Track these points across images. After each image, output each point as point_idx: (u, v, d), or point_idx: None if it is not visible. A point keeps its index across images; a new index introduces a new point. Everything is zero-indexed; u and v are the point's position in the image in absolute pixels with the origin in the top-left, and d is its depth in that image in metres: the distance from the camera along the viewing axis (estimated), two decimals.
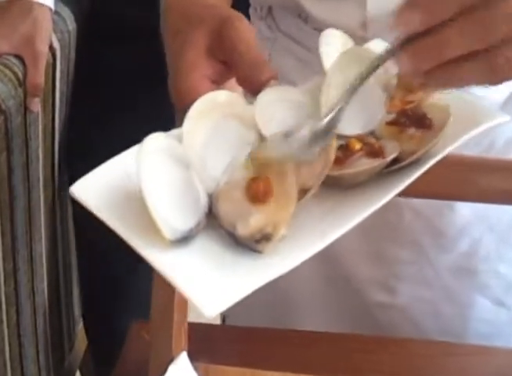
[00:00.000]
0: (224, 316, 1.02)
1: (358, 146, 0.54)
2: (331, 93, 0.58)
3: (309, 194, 0.51)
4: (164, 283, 0.56)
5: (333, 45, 0.62)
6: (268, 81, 0.59)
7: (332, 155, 0.52)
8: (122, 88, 1.30)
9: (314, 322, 0.91)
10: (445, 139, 0.57)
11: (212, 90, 0.58)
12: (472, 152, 0.81)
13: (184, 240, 0.49)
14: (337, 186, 0.54)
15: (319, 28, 0.79)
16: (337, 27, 0.75)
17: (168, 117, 0.62)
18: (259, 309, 0.92)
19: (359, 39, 0.74)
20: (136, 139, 0.52)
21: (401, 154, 0.56)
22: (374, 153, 0.55)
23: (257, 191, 0.50)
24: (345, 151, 0.54)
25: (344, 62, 0.59)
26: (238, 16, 0.62)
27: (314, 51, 0.80)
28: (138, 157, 0.49)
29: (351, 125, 0.59)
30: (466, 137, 0.58)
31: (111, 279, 1.37)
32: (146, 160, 0.49)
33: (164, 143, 0.52)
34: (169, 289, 0.60)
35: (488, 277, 0.87)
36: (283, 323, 0.91)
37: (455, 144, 0.57)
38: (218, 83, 0.61)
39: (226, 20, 0.61)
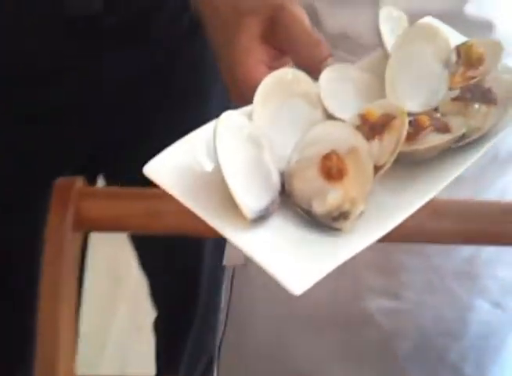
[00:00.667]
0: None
1: (427, 122, 0.54)
2: (395, 70, 0.58)
3: (383, 170, 0.51)
4: (48, 335, 0.57)
5: (391, 22, 0.62)
6: (327, 58, 0.60)
7: (404, 132, 0.52)
8: None
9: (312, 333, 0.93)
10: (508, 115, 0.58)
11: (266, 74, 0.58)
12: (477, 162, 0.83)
13: (261, 218, 0.49)
14: (407, 162, 0.54)
15: (330, 42, 0.80)
16: (348, 35, 0.76)
17: None
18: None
19: (372, 46, 0.75)
20: None
21: (467, 130, 0.56)
22: (442, 128, 0.55)
23: (330, 168, 0.50)
24: (415, 127, 0.54)
25: (406, 39, 0.59)
26: (290, 0, 0.62)
27: None
28: (216, 135, 0.49)
29: (413, 102, 0.59)
30: None
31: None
32: (223, 138, 0.49)
33: (236, 121, 0.52)
34: (54, 342, 0.59)
35: (488, 281, 0.89)
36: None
37: None
38: (273, 68, 0.61)
39: (279, 6, 0.61)
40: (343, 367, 0.92)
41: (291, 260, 0.47)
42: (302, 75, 0.56)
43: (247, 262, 0.93)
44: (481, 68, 0.60)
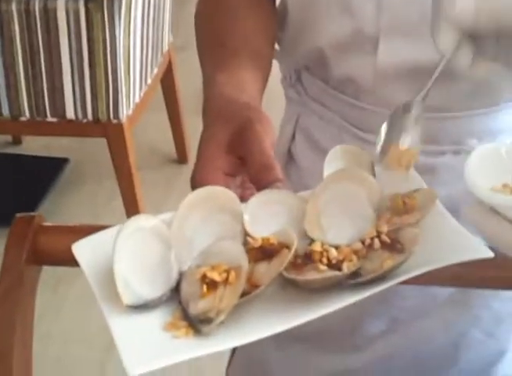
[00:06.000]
0: None
1: (317, 256, 0.65)
2: (318, 202, 0.69)
3: (257, 291, 0.62)
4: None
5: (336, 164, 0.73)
6: (273, 182, 0.71)
7: (285, 260, 0.63)
8: None
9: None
10: (419, 261, 0.66)
11: (223, 182, 0.71)
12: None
13: (144, 306, 0.62)
14: (298, 288, 0.65)
15: (338, 87, 0.95)
16: (353, 79, 0.92)
17: None
18: None
19: (371, 93, 0.91)
20: None
21: (364, 271, 0.66)
22: (333, 265, 0.65)
23: (209, 278, 0.62)
24: (306, 259, 0.65)
25: (338, 178, 0.70)
26: (261, 119, 0.75)
27: (333, 110, 0.98)
28: (119, 230, 0.63)
29: (339, 236, 0.69)
30: (438, 265, 0.67)
31: None
32: (126, 235, 0.63)
33: (150, 223, 0.65)
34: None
35: (481, 311, 0.99)
36: None
37: (422, 270, 0.66)
38: (233, 175, 0.74)
39: (248, 122, 0.75)
40: None
41: (141, 347, 0.59)
42: (231, 193, 0.68)
43: None
44: (406, 217, 0.69)
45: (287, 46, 0.99)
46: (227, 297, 0.62)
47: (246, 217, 0.68)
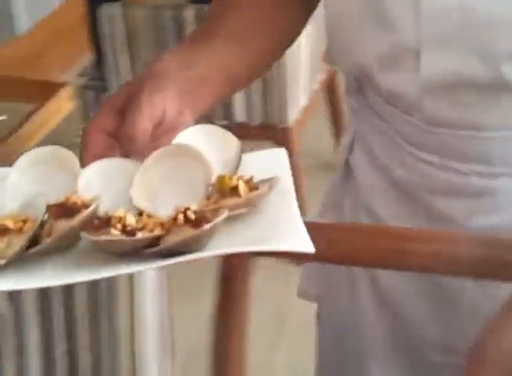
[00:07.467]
0: None
1: (114, 221, 0.68)
2: (150, 173, 0.74)
3: (45, 242, 0.68)
4: None
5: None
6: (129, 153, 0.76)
7: (77, 221, 0.68)
8: None
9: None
10: (232, 242, 0.68)
11: (103, 141, 0.77)
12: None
13: None
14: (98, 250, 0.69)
15: (389, 101, 0.92)
16: (397, 96, 0.89)
17: None
18: None
19: (418, 110, 0.87)
20: None
21: (164, 242, 0.69)
22: (128, 232, 0.68)
23: (3, 225, 0.69)
24: (102, 222, 0.69)
25: (175, 152, 0.73)
26: (152, 90, 0.77)
27: (386, 121, 0.95)
28: None
29: (166, 209, 0.72)
30: (245, 249, 0.68)
31: None
32: None
33: None
34: None
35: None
36: None
37: (222, 250, 0.68)
38: (114, 137, 0.78)
39: (141, 90, 0.77)
40: None
41: None
42: (71, 155, 0.74)
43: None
44: (230, 200, 0.71)
45: (336, 58, 0.97)
46: (14, 244, 0.68)
47: (79, 181, 0.73)
